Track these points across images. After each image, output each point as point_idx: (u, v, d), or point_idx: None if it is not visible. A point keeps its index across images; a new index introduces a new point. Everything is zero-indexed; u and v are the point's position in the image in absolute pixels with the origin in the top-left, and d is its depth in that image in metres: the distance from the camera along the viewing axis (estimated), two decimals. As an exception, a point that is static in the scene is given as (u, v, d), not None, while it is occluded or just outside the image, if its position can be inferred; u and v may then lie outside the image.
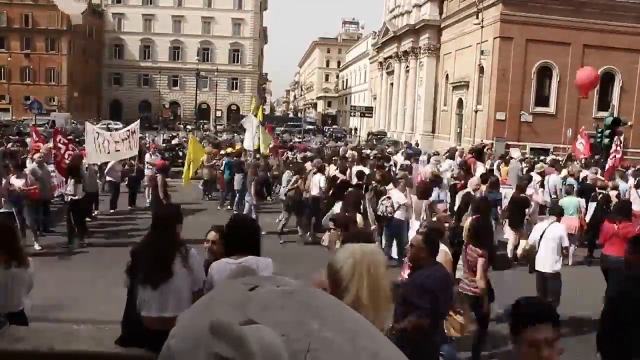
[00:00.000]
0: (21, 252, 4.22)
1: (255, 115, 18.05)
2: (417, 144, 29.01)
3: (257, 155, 15.93)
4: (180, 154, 21.20)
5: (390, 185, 10.26)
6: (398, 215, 9.32)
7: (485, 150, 19.46)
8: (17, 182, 9.57)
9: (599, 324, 4.05)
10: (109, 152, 13.15)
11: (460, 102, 37.76)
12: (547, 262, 6.97)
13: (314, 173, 11.80)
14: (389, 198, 9.39)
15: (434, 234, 4.40)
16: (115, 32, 69.64)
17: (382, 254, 2.35)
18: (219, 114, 67.61)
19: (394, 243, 9.49)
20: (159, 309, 3.64)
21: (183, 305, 3.62)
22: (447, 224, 7.68)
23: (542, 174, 13.90)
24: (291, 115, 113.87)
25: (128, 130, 13.97)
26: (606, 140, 18.98)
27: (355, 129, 54.31)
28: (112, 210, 13.73)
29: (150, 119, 63.99)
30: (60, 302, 6.79)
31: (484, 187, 10.22)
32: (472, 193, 9.77)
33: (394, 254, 9.34)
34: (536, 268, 7.16)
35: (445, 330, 4.76)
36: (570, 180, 12.66)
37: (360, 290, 2.07)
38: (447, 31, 39.66)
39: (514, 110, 31.60)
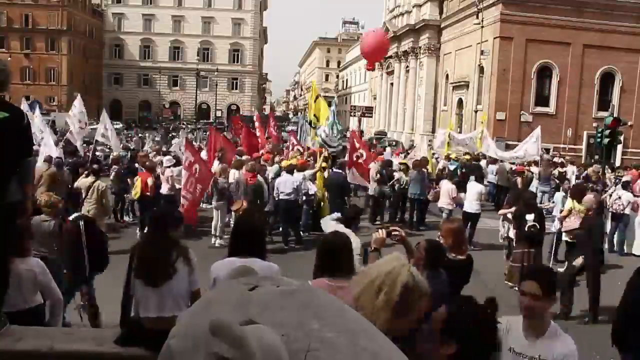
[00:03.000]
0: (24, 250, 4.19)
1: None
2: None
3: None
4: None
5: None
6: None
7: None
8: None
9: (616, 318, 4.14)
10: None
11: (460, 102, 37.74)
12: None
13: None
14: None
15: (437, 249, 4.34)
16: (115, 32, 69.63)
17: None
18: (219, 114, 67.60)
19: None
20: (157, 309, 3.64)
21: (181, 305, 3.63)
22: None
23: None
24: (291, 115, 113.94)
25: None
26: (606, 140, 18.94)
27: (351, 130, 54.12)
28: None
29: (150, 119, 64.04)
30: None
31: None
32: None
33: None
34: None
35: None
36: None
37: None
38: (447, 31, 39.63)
39: (514, 110, 31.57)
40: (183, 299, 3.68)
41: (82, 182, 10.36)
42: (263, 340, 0.72)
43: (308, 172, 12.09)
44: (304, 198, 11.71)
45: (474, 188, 12.04)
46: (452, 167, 17.35)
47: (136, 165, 14.07)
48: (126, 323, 3.87)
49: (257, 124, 19.71)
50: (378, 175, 14.14)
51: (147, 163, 12.20)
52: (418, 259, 4.16)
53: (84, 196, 10.00)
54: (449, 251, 5.17)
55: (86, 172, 10.87)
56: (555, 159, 21.81)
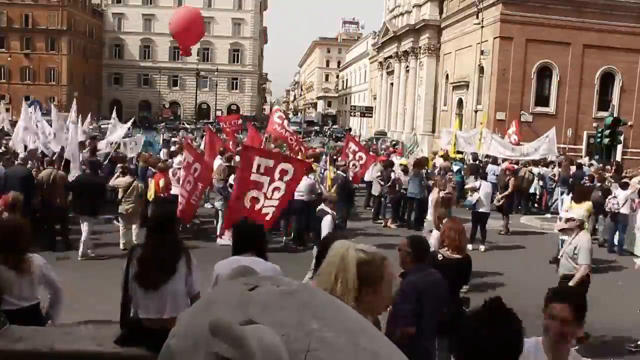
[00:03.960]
0: (22, 255, 4.06)
1: None
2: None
3: None
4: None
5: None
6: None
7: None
8: None
9: None
10: None
11: (460, 102, 37.73)
12: None
13: None
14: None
15: (419, 238, 4.34)
16: (115, 32, 69.64)
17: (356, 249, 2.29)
18: (219, 113, 67.60)
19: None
20: (157, 311, 3.63)
21: (181, 307, 3.62)
22: None
23: None
24: (291, 115, 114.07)
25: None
26: (606, 140, 18.96)
27: (350, 129, 54.10)
28: None
29: (150, 119, 64.04)
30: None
31: None
32: None
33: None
34: None
35: None
36: None
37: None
38: (447, 31, 39.63)
39: (514, 110, 31.55)
40: (182, 301, 3.67)
41: (119, 181, 10.45)
42: (263, 340, 0.72)
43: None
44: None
45: (483, 188, 12.08)
46: (455, 168, 17.38)
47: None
48: (126, 323, 3.86)
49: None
50: (379, 174, 14.21)
51: (159, 164, 12.18)
52: (402, 260, 4.10)
53: (121, 195, 10.15)
54: (446, 249, 5.15)
55: (121, 171, 11.08)
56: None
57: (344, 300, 2.03)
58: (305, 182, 11.42)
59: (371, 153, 17.42)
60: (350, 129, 54.17)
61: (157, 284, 3.62)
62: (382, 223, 13.91)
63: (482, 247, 11.59)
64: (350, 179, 13.30)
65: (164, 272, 3.65)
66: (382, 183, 14.09)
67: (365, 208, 16.00)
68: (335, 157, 15.53)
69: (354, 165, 13.35)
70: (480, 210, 11.84)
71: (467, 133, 23.18)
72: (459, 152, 20.07)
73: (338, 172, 12.65)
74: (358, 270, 2.11)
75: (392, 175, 14.08)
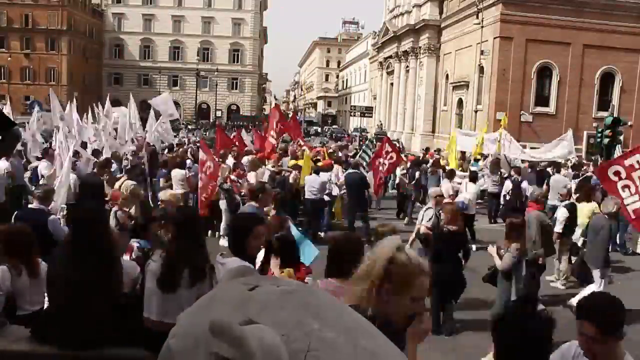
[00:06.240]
0: (33, 260, 4.02)
1: None
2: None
3: None
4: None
5: None
6: None
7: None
8: None
9: None
10: None
11: (460, 102, 37.73)
12: None
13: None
14: None
15: None
16: (115, 32, 69.66)
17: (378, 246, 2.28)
18: (219, 114, 67.64)
19: None
20: (160, 313, 3.62)
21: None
22: None
23: None
24: (291, 115, 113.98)
25: None
26: (606, 140, 18.97)
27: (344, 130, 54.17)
28: None
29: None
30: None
31: None
32: None
33: None
34: None
35: None
36: None
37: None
38: (447, 31, 39.63)
39: (514, 110, 31.56)
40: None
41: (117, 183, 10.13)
42: (263, 340, 0.72)
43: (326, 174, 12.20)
44: (327, 198, 11.84)
45: (469, 190, 12.28)
46: (473, 168, 17.22)
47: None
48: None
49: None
50: (404, 172, 14.78)
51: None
52: None
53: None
54: (446, 224, 6.86)
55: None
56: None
57: (360, 285, 2.07)
58: (318, 180, 11.50)
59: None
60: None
61: (163, 288, 3.61)
62: (405, 220, 13.97)
63: (473, 247, 11.57)
64: (366, 173, 13.26)
65: (170, 279, 3.61)
66: (407, 181, 14.54)
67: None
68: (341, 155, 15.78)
69: (382, 163, 13.24)
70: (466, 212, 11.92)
71: (466, 133, 23.13)
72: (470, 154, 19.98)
73: (352, 169, 12.69)
74: (388, 264, 2.06)
75: (417, 175, 14.55)
